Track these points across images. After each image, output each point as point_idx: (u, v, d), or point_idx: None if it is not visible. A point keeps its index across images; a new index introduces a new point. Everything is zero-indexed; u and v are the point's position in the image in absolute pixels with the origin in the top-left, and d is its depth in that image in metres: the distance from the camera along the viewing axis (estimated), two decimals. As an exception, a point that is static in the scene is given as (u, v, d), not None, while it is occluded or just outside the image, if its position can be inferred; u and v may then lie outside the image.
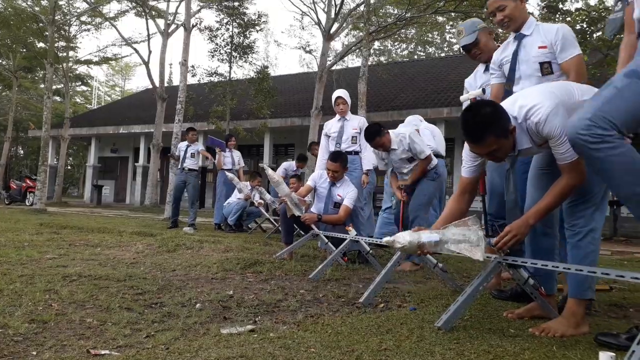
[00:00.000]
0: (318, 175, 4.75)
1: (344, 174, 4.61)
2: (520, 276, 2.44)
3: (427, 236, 2.27)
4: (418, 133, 4.36)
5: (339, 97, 5.15)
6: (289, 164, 8.76)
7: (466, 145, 2.40)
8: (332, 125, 5.28)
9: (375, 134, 4.15)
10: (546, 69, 2.80)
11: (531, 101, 2.15)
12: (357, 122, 5.18)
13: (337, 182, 4.57)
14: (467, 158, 2.47)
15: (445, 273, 3.25)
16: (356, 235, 3.78)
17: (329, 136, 5.27)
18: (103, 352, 1.76)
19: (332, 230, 4.36)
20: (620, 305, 3.02)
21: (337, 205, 4.53)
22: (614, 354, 1.77)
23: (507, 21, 2.90)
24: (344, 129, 5.16)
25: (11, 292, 2.65)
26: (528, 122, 2.15)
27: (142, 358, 1.69)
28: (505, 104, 2.27)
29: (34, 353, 1.74)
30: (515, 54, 2.90)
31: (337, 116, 5.23)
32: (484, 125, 2.11)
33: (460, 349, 1.92)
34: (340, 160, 4.51)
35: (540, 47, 2.80)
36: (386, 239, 2.38)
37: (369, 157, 5.15)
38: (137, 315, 2.34)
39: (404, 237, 2.31)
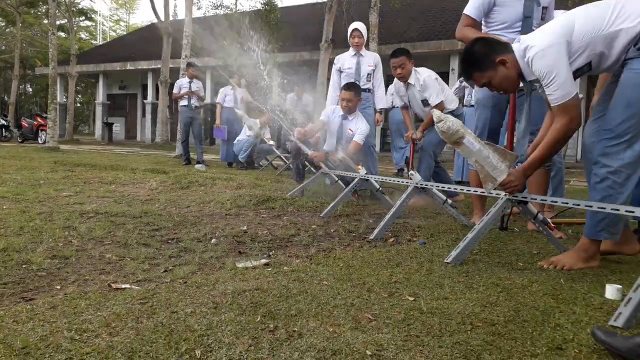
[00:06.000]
0: (330, 110, 4.68)
1: (357, 107, 4.55)
2: (530, 212, 2.45)
3: (469, 140, 2.28)
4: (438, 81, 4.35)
5: (355, 30, 4.92)
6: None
7: None
8: (345, 61, 5.04)
9: (402, 53, 4.24)
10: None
11: (530, 40, 2.17)
12: (372, 59, 5.00)
13: (349, 115, 4.50)
14: None
15: (455, 209, 3.28)
16: (366, 173, 3.79)
17: (342, 72, 5.06)
18: (124, 286, 1.83)
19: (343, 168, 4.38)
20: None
21: (349, 140, 4.52)
22: (620, 286, 1.81)
23: None
24: (360, 65, 4.97)
25: (31, 229, 2.73)
26: (526, 59, 2.18)
27: (162, 292, 1.75)
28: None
29: (58, 287, 1.82)
30: None
31: (351, 51, 5.00)
32: (468, 64, 2.34)
33: (469, 282, 1.97)
34: (354, 89, 4.50)
35: None
36: (438, 113, 2.33)
37: (381, 96, 5.06)
38: (155, 250, 2.42)
39: (454, 122, 2.29)
